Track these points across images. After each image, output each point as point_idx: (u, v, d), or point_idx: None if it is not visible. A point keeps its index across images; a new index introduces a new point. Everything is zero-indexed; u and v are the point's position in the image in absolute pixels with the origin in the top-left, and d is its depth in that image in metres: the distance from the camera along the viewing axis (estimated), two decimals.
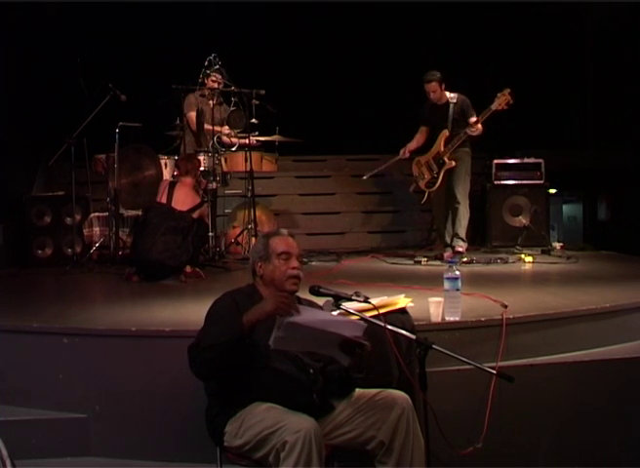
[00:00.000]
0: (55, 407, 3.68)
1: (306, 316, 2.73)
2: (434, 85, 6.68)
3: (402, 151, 7.07)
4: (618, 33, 8.83)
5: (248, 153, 6.94)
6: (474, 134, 6.57)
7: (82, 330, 3.76)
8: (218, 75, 6.95)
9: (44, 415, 3.66)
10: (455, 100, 6.74)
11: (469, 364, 2.88)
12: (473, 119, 6.64)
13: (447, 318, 3.72)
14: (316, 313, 2.93)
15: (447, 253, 6.73)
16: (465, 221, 6.78)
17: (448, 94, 6.77)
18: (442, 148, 6.74)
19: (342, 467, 3.16)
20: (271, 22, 8.97)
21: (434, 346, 2.82)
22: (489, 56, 8.92)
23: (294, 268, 3.02)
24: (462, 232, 6.78)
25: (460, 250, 6.68)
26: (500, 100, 6.48)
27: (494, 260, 6.44)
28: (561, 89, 9.21)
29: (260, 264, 3.06)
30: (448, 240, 6.88)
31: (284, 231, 3.15)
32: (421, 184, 6.91)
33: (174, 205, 5.83)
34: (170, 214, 5.74)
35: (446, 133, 6.74)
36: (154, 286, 5.44)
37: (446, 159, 6.72)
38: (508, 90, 6.50)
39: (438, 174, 6.77)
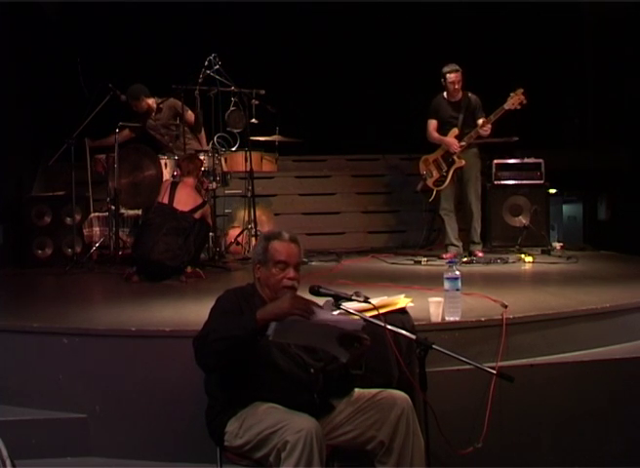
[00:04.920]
0: (55, 407, 3.68)
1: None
2: (460, 75, 6.70)
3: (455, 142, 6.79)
4: (618, 33, 8.83)
5: (248, 153, 6.95)
6: (485, 133, 6.58)
7: (82, 330, 3.76)
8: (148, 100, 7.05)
9: (44, 415, 3.65)
10: (468, 100, 6.75)
11: (469, 364, 2.88)
12: (482, 119, 6.65)
13: (447, 318, 3.72)
14: (319, 312, 2.92)
15: (447, 254, 6.75)
16: (480, 227, 6.94)
17: (461, 92, 6.78)
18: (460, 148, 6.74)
19: (342, 467, 3.16)
20: (271, 22, 8.96)
21: (434, 346, 2.82)
22: (488, 55, 8.91)
23: (289, 279, 2.96)
24: (479, 237, 6.93)
25: (481, 254, 6.76)
26: (513, 100, 6.51)
27: (494, 260, 6.45)
28: (561, 89, 9.21)
29: (258, 267, 3.04)
30: (453, 241, 6.88)
31: (286, 235, 3.03)
32: (429, 183, 6.91)
33: (175, 205, 5.83)
34: (171, 215, 5.75)
35: (455, 131, 6.76)
36: (154, 286, 5.44)
37: (455, 158, 6.73)
38: (521, 90, 6.52)
39: (447, 172, 6.78)
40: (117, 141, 6.57)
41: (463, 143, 6.71)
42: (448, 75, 6.72)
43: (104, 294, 5.45)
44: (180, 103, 6.87)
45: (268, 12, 8.85)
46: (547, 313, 3.97)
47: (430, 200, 6.99)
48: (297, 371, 2.91)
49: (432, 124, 6.93)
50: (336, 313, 3.04)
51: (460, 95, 6.79)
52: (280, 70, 8.69)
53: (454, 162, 6.76)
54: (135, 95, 7.00)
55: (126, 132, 7.11)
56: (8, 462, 2.24)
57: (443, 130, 6.87)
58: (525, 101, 6.49)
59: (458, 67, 6.72)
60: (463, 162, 6.75)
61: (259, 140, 7.33)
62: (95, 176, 7.16)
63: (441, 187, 6.84)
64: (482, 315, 3.85)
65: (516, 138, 7.10)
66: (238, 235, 7.23)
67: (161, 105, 7.07)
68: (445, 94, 6.86)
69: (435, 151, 6.93)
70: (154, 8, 8.37)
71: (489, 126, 6.56)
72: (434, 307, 3.71)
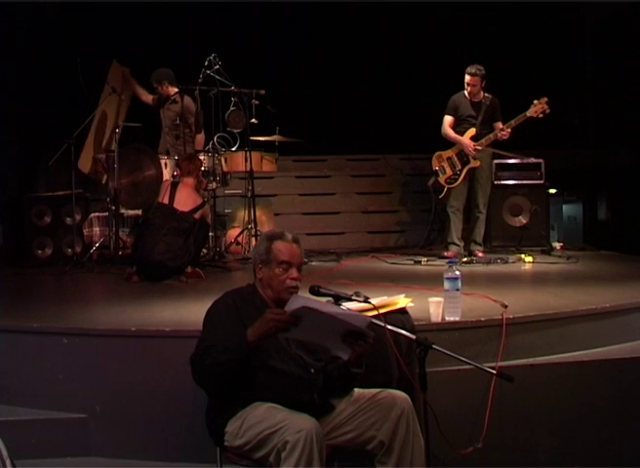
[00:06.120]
0: (55, 407, 3.68)
1: (314, 304, 2.72)
2: (477, 79, 6.68)
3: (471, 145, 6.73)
4: (618, 33, 8.83)
5: (248, 153, 6.96)
6: (504, 138, 6.58)
7: (82, 330, 3.76)
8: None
9: (44, 415, 3.66)
10: (489, 102, 6.75)
11: (469, 364, 2.89)
12: (499, 123, 6.65)
13: (447, 318, 3.72)
14: (323, 305, 2.90)
15: (448, 252, 6.76)
16: (484, 228, 6.95)
17: (482, 93, 6.78)
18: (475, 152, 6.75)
19: (342, 467, 3.16)
20: (271, 22, 8.96)
21: (434, 346, 2.82)
22: (487, 55, 8.91)
23: (293, 279, 2.96)
24: (481, 238, 6.94)
25: (481, 254, 6.79)
26: (537, 108, 6.52)
27: (494, 260, 6.45)
28: (561, 89, 9.21)
29: (260, 267, 3.03)
30: (455, 240, 6.88)
31: (289, 236, 3.03)
32: (441, 180, 6.90)
33: (176, 205, 5.83)
34: (172, 215, 5.75)
35: (473, 131, 6.75)
36: (154, 286, 5.44)
37: (471, 158, 6.73)
38: (546, 99, 6.53)
39: (460, 171, 6.78)
40: (142, 98, 7.01)
41: (479, 147, 6.70)
42: (465, 75, 6.72)
43: (104, 294, 5.45)
44: (191, 107, 6.86)
45: (268, 12, 8.85)
46: (547, 313, 3.98)
47: (440, 197, 6.99)
48: (297, 372, 2.91)
49: (448, 120, 6.87)
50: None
51: (481, 95, 6.78)
52: (280, 70, 8.69)
53: (469, 161, 6.76)
54: (157, 78, 7.01)
55: (151, 97, 7.18)
56: (8, 462, 2.24)
57: (460, 128, 6.85)
58: (548, 110, 6.50)
59: (475, 70, 6.67)
60: (479, 163, 6.75)
61: (259, 140, 7.33)
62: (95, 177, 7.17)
63: (453, 185, 6.83)
64: (482, 315, 3.85)
65: (533, 159, 7.15)
66: (238, 235, 7.23)
67: (177, 99, 7.04)
68: (466, 92, 6.84)
69: (450, 148, 6.90)
70: (154, 8, 8.37)
71: (508, 130, 6.56)
72: (434, 307, 3.71)
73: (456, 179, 6.81)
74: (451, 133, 6.85)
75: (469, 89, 6.73)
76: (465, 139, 6.75)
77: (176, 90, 7.00)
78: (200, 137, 7.07)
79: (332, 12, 8.91)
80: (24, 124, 7.59)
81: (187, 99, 6.88)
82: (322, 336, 2.80)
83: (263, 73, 8.02)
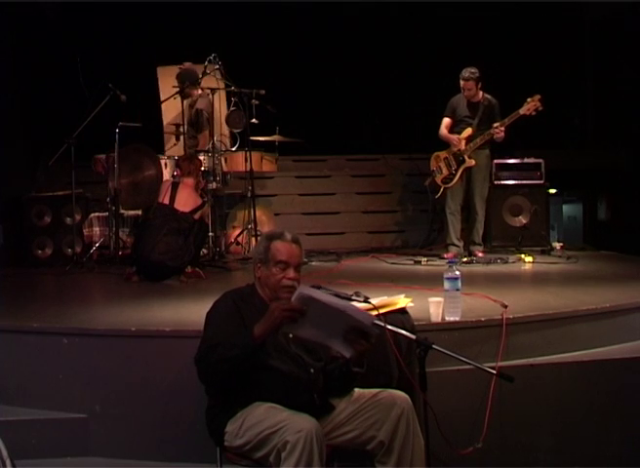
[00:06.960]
0: (55, 407, 3.68)
1: (321, 295, 2.71)
2: (471, 83, 6.72)
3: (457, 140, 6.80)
4: (617, 33, 8.83)
5: (248, 153, 6.96)
6: (498, 135, 6.59)
7: (82, 330, 3.76)
8: None
9: (44, 415, 3.66)
10: (487, 102, 6.77)
11: (469, 364, 2.88)
12: (497, 124, 6.67)
13: (447, 318, 3.72)
14: (329, 297, 2.89)
15: (448, 254, 6.76)
16: (482, 229, 6.95)
17: (481, 94, 6.79)
18: (463, 146, 6.76)
19: (342, 467, 3.16)
20: (271, 22, 8.96)
21: (434, 346, 2.82)
22: (488, 56, 8.92)
23: (289, 279, 2.96)
24: (480, 238, 6.95)
25: (481, 254, 6.80)
26: (529, 106, 6.55)
27: (494, 260, 6.45)
28: (561, 89, 9.21)
29: (259, 266, 3.03)
30: (454, 241, 6.88)
31: (288, 235, 3.03)
32: (438, 179, 6.92)
33: (176, 206, 5.83)
34: (172, 216, 5.75)
35: (469, 130, 6.77)
36: (154, 286, 5.44)
37: (466, 157, 6.75)
38: (539, 96, 6.56)
39: (456, 171, 6.80)
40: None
41: (464, 143, 6.70)
42: (460, 80, 6.75)
43: (104, 294, 5.45)
44: (200, 107, 6.86)
45: (268, 12, 8.85)
46: (547, 313, 3.98)
47: (437, 197, 7.02)
48: (297, 372, 2.91)
49: (445, 121, 6.93)
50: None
51: (479, 96, 6.80)
52: (280, 70, 8.69)
53: (464, 161, 6.77)
54: (182, 78, 6.98)
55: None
56: (8, 462, 2.24)
57: (457, 128, 6.88)
58: (541, 108, 6.53)
59: (468, 75, 6.68)
60: (473, 162, 6.77)
61: (259, 140, 7.34)
62: (95, 176, 7.16)
63: (448, 185, 6.85)
64: (482, 315, 3.85)
65: (533, 159, 7.18)
66: (238, 235, 7.24)
67: (194, 100, 6.98)
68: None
69: (447, 148, 6.93)
70: (154, 8, 8.37)
71: (502, 129, 6.57)
72: (434, 307, 3.71)
73: (451, 179, 6.83)
74: (444, 133, 6.91)
75: (465, 93, 6.78)
76: (453, 136, 6.79)
77: (197, 92, 7.01)
78: (202, 137, 7.07)
79: (332, 12, 8.91)
80: (24, 124, 7.60)
81: (200, 102, 6.88)
82: (326, 330, 2.78)
83: (263, 73, 8.01)
